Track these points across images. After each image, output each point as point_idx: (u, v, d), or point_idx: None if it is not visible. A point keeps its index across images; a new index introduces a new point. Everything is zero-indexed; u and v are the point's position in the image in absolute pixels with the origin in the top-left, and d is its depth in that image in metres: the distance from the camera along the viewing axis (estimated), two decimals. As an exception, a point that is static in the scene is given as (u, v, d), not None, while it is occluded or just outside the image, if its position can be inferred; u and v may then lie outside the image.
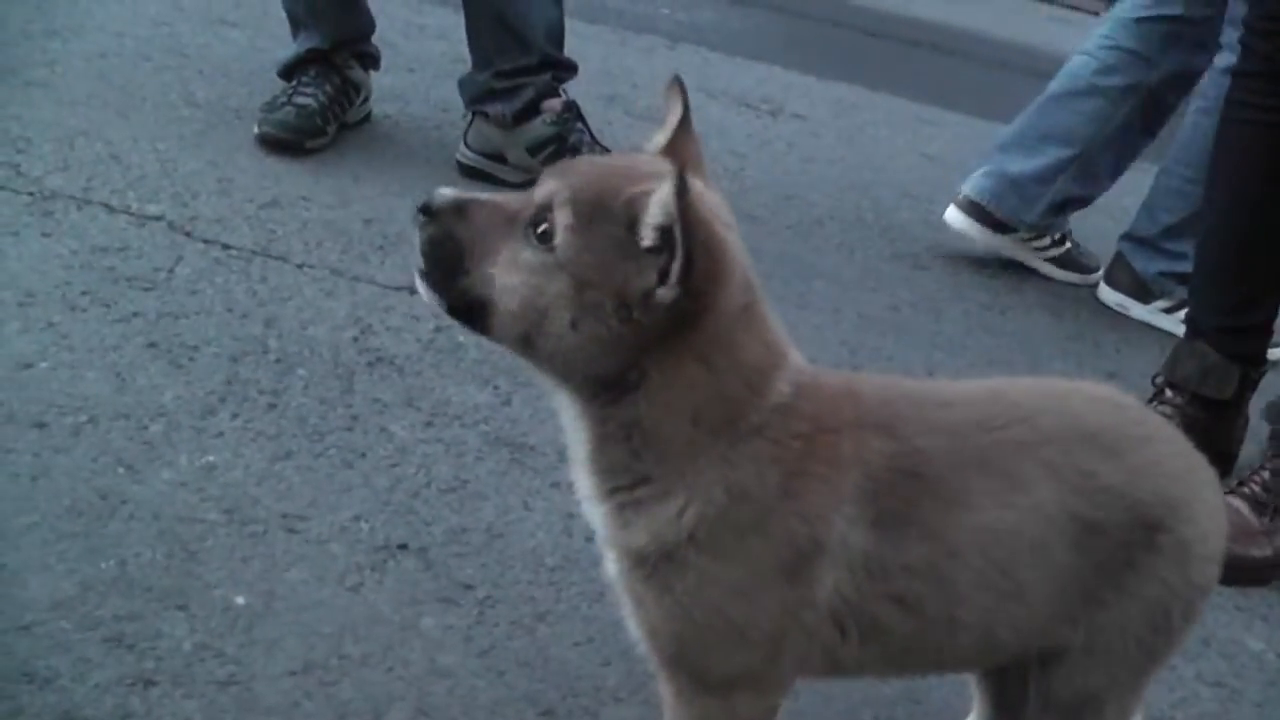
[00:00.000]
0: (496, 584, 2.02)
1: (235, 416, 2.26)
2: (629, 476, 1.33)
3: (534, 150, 3.47)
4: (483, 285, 1.29)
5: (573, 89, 3.61)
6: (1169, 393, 2.83)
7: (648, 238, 1.23)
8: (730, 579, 1.34)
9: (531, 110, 3.46)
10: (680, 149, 1.41)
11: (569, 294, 1.26)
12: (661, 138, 1.44)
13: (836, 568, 1.35)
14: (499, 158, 3.50)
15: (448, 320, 2.67)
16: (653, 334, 1.27)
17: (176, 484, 2.06)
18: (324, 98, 3.41)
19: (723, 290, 1.28)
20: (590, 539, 2.13)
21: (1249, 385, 2.88)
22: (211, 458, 2.14)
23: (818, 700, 1.90)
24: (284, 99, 3.40)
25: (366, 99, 3.64)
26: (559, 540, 2.16)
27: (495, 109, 3.44)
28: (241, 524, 2.00)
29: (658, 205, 1.22)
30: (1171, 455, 1.48)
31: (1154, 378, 2.90)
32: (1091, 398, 1.54)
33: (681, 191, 1.19)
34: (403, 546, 2.05)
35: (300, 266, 2.81)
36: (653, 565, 1.34)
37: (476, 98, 3.49)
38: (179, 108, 3.50)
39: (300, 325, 2.59)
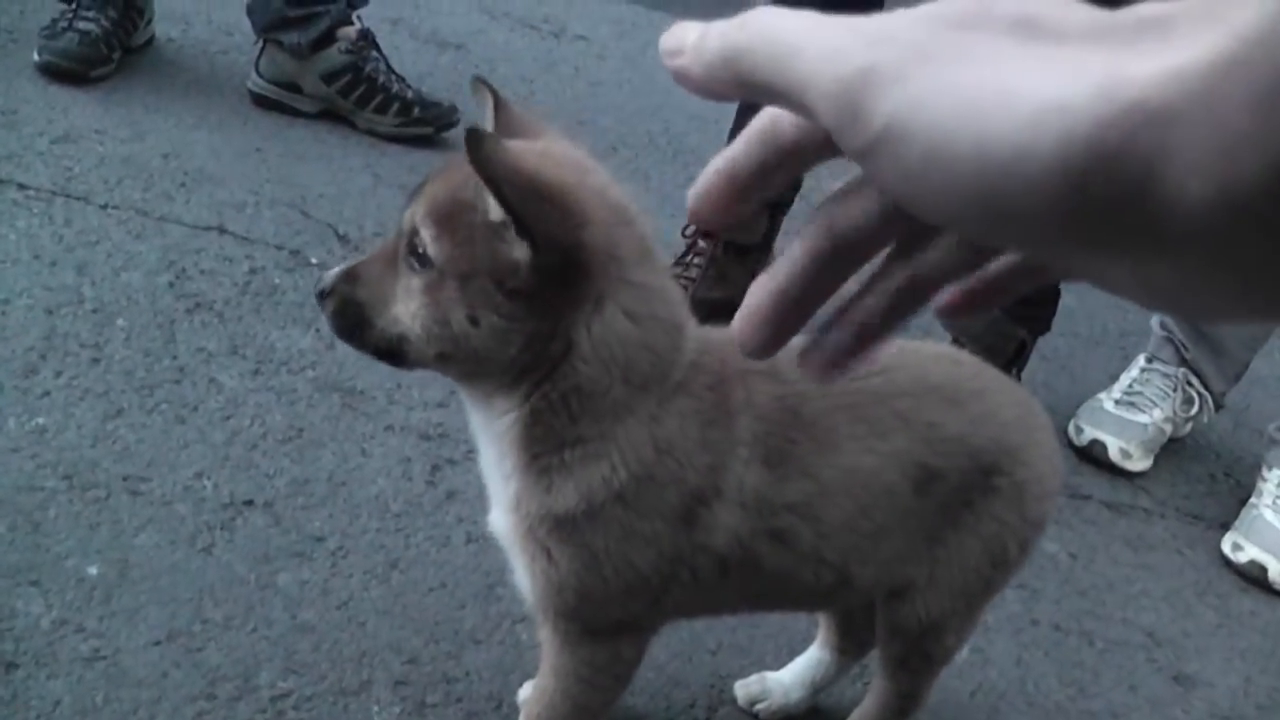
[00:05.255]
0: (346, 534, 2.04)
1: (59, 374, 2.20)
2: (556, 442, 1.36)
3: (329, 79, 3.40)
4: (392, 326, 1.33)
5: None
6: (701, 243, 2.96)
7: (492, 210, 1.24)
8: (646, 531, 1.39)
9: (327, 39, 3.39)
10: (513, 126, 1.41)
11: (457, 294, 1.27)
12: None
13: (732, 510, 1.41)
14: (293, 87, 3.42)
15: (261, 261, 2.68)
16: (552, 299, 1.28)
17: (8, 450, 2.00)
18: (108, 23, 3.26)
19: (584, 231, 1.26)
20: (432, 482, 2.19)
21: (777, 228, 3.06)
22: (41, 419, 2.09)
23: (664, 630, 2.00)
24: (65, 24, 3.24)
25: (150, 21, 3.50)
26: (400, 485, 2.19)
27: (290, 38, 3.35)
28: (82, 489, 1.97)
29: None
30: (1006, 405, 1.60)
31: (683, 229, 2.98)
32: (933, 354, 1.66)
33: (474, 146, 1.18)
34: (248, 502, 2.05)
35: (104, 208, 2.72)
36: (573, 525, 1.38)
37: (269, 26, 3.38)
38: (-54, 30, 3.31)
39: (113, 271, 2.52)
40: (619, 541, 1.39)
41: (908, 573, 1.59)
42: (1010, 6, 0.42)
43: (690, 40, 0.50)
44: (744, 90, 0.48)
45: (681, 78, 0.51)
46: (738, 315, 0.53)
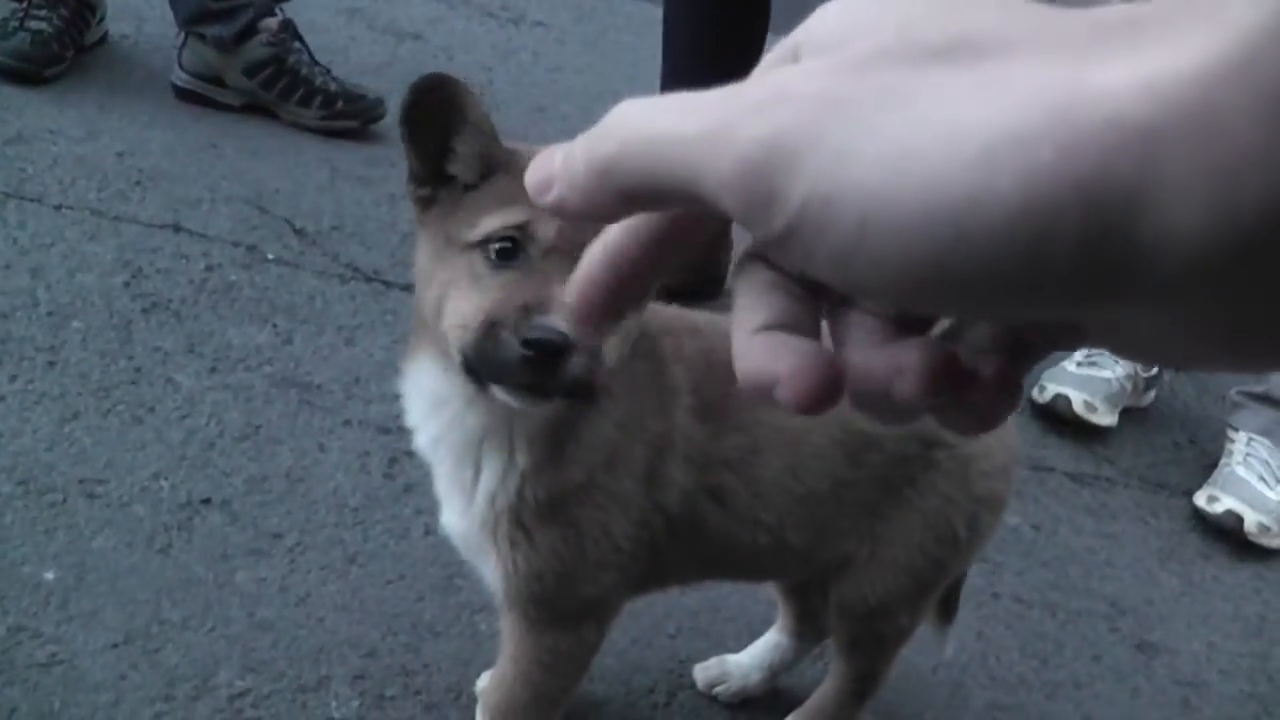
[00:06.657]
0: (304, 530, 2.04)
1: (14, 379, 2.19)
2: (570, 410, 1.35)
3: (251, 72, 3.37)
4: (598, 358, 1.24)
5: (312, 4, 3.52)
6: None
7: None
8: (620, 493, 1.41)
9: (250, 31, 3.36)
10: None
11: None
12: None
13: (679, 465, 1.44)
14: (216, 81, 3.38)
15: (217, 258, 2.67)
16: None
17: (-38, 456, 2.00)
18: (60, 21, 3.24)
19: None
20: (390, 475, 2.19)
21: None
22: (-4, 424, 2.08)
23: (623, 615, 2.01)
24: (16, 23, 3.21)
25: (102, 19, 3.47)
26: (358, 479, 2.19)
27: (214, 31, 3.32)
28: (39, 494, 1.96)
29: None
30: None
31: None
32: None
33: None
34: (206, 501, 2.05)
35: (58, 208, 2.71)
36: (564, 501, 1.39)
37: (192, 18, 3.34)
38: (-103, 34, 3.28)
39: (68, 273, 2.51)
40: (600, 510, 1.40)
41: (848, 546, 1.59)
42: (935, 31, 0.35)
43: (556, 167, 0.42)
44: (633, 203, 0.41)
45: (560, 212, 0.43)
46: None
